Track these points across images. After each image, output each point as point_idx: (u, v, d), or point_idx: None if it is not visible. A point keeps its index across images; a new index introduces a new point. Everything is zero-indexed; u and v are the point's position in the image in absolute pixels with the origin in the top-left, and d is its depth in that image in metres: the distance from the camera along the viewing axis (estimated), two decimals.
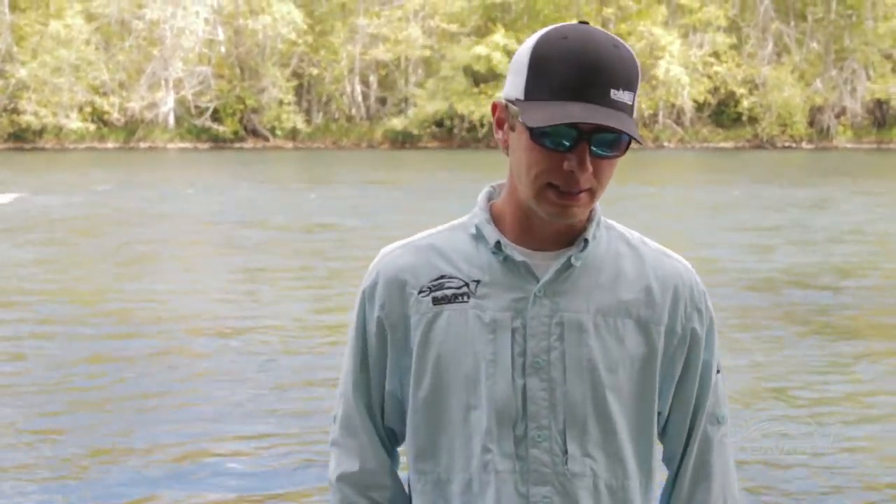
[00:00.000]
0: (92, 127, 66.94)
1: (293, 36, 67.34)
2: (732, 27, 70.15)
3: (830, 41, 69.80)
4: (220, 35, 70.32)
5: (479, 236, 2.18)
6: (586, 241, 2.15)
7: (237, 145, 67.26)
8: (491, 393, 2.11)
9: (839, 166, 47.97)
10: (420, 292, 2.17)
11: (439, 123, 67.24)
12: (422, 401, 2.18)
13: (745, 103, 67.80)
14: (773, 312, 13.79)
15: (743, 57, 69.58)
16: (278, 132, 67.98)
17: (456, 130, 67.14)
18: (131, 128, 67.54)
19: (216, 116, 67.69)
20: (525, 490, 2.12)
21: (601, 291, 2.16)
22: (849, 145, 66.68)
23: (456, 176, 40.70)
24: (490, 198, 2.25)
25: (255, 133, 68.42)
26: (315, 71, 69.60)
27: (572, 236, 2.17)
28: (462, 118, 66.59)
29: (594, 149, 2.04)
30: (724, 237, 21.31)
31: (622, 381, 2.16)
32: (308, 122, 69.37)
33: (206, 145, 67.12)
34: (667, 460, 2.30)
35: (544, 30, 2.09)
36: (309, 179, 39.78)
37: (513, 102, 2.08)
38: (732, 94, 68.37)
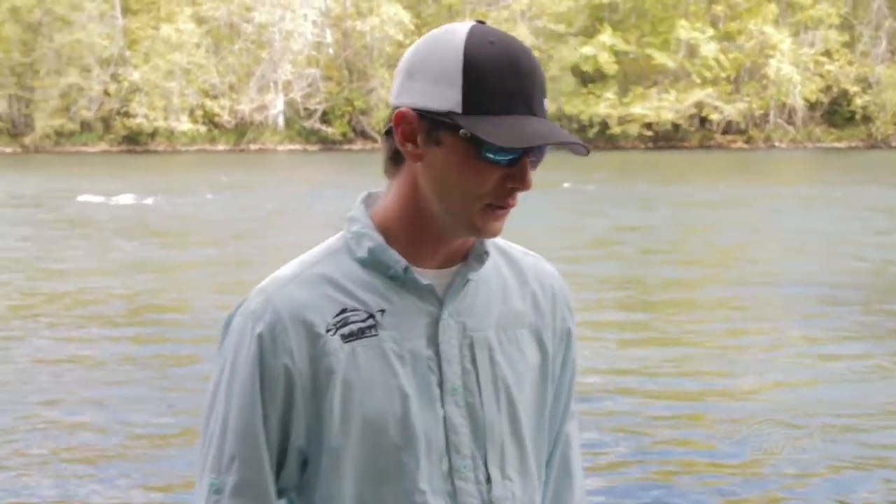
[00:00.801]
0: (203, 129, 68.39)
1: (400, 37, 67.59)
2: (845, 25, 70.13)
3: None
4: (328, 37, 71.21)
5: (372, 261, 2.01)
6: (487, 253, 2.06)
7: (346, 147, 67.85)
8: (419, 429, 2.00)
9: None
10: (328, 331, 1.98)
11: None
12: (347, 449, 2.00)
13: (859, 102, 67.60)
14: None
15: (856, 55, 69.41)
16: None
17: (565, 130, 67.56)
18: (241, 130, 68.75)
19: (325, 118, 68.69)
20: None
21: (496, 304, 2.10)
22: None
23: (565, 176, 40.40)
24: (368, 211, 2.07)
25: (363, 135, 68.99)
26: None
27: (463, 252, 2.06)
28: (570, 118, 67.02)
29: (532, 161, 1.95)
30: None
31: (527, 394, 2.12)
32: None
33: (315, 147, 67.93)
34: None
35: (459, 33, 1.93)
36: None
37: (441, 115, 1.91)
38: (845, 92, 68.21)
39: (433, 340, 2.03)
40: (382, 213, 2.04)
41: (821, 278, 16.37)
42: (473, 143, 1.90)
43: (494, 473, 2.07)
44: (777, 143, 67.42)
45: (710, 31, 68.40)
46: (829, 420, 8.80)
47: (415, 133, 1.95)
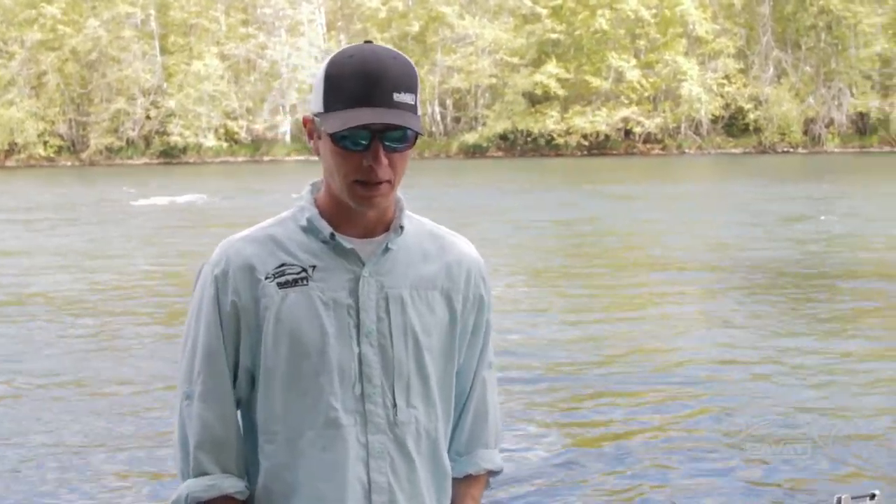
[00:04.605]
0: (225, 144, 68.27)
1: None
2: (740, 55, 69.58)
3: (821, 65, 69.23)
4: None
5: (310, 228, 2.09)
6: (402, 227, 2.11)
7: None
8: (335, 360, 2.05)
9: (837, 167, 47.04)
10: (266, 278, 2.06)
11: (504, 137, 67.84)
12: (277, 370, 2.07)
13: (752, 116, 67.01)
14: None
15: (749, 79, 68.95)
16: None
17: (518, 143, 67.84)
18: (256, 145, 68.65)
19: None
20: (364, 440, 2.07)
21: (414, 269, 2.12)
22: (836, 150, 65.76)
23: (519, 177, 40.71)
24: (313, 193, 2.14)
25: None
26: None
27: (385, 225, 2.11)
28: (522, 132, 67.32)
29: (387, 144, 1.98)
30: None
31: (434, 341, 2.13)
32: None
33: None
34: (455, 398, 2.24)
35: (333, 53, 2.02)
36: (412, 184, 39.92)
37: (316, 116, 2.01)
38: (741, 108, 67.61)
39: (354, 293, 2.05)
40: (319, 195, 2.10)
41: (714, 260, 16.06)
42: (331, 135, 1.96)
43: (400, 402, 2.08)
44: (687, 150, 66.84)
45: (634, 61, 68.19)
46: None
47: (313, 132, 2.04)
